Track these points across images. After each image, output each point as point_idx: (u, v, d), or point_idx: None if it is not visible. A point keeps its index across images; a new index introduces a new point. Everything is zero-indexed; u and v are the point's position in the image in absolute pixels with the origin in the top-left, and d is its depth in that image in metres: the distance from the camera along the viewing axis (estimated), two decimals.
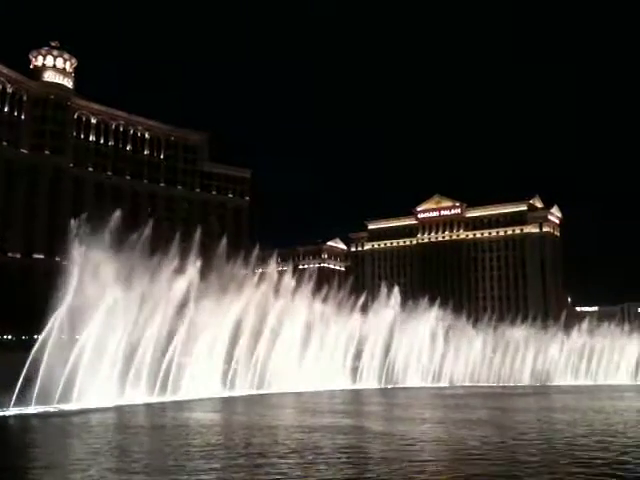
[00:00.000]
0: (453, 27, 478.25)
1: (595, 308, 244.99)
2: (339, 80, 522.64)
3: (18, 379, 34.87)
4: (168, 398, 41.84)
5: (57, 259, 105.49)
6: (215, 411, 36.76)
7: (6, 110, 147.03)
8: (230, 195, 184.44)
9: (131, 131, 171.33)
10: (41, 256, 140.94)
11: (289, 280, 66.67)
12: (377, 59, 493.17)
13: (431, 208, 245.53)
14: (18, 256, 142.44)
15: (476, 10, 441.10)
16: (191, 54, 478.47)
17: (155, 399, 40.50)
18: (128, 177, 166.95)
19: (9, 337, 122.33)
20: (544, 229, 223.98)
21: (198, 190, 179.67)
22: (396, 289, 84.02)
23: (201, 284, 52.15)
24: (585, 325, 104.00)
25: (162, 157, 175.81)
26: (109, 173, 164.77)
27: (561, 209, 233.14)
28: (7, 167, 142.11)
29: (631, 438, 26.23)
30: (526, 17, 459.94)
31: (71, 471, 17.70)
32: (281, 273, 69.38)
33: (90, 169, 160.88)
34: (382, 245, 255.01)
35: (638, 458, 20.43)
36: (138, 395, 39.87)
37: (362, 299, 77.34)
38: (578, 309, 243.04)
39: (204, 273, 53.43)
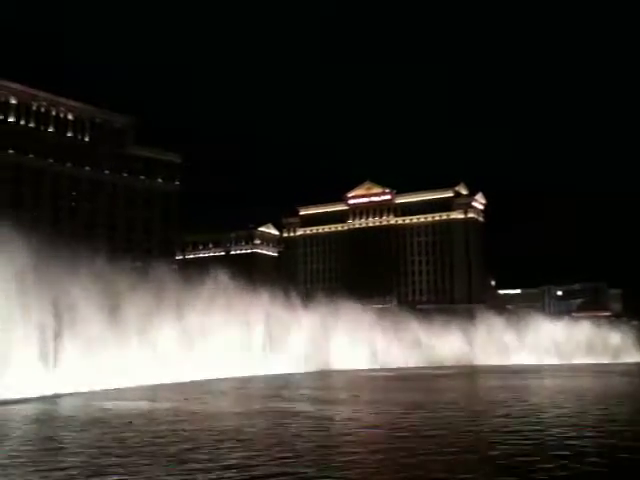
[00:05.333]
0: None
1: (518, 291, 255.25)
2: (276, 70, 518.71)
3: None
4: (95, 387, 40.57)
5: None
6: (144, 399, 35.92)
7: None
8: (159, 180, 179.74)
9: (53, 112, 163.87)
10: None
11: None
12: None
13: (361, 194, 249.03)
14: None
15: None
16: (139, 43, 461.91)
17: (79, 389, 39.16)
18: (50, 160, 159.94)
19: None
20: (469, 215, 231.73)
21: (125, 175, 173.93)
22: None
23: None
24: (509, 307, 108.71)
25: (87, 140, 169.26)
26: (31, 156, 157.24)
27: (486, 196, 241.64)
28: None
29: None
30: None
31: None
32: (213, 259, 69.06)
33: (10, 151, 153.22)
34: (314, 231, 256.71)
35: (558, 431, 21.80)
36: (59, 384, 38.49)
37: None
38: (502, 292, 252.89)
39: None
